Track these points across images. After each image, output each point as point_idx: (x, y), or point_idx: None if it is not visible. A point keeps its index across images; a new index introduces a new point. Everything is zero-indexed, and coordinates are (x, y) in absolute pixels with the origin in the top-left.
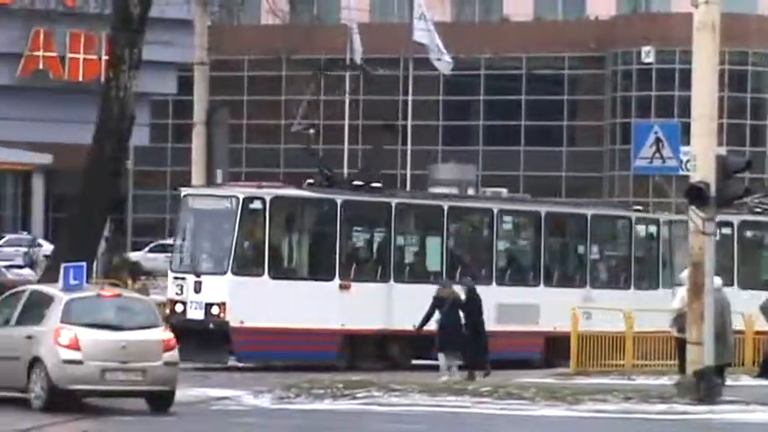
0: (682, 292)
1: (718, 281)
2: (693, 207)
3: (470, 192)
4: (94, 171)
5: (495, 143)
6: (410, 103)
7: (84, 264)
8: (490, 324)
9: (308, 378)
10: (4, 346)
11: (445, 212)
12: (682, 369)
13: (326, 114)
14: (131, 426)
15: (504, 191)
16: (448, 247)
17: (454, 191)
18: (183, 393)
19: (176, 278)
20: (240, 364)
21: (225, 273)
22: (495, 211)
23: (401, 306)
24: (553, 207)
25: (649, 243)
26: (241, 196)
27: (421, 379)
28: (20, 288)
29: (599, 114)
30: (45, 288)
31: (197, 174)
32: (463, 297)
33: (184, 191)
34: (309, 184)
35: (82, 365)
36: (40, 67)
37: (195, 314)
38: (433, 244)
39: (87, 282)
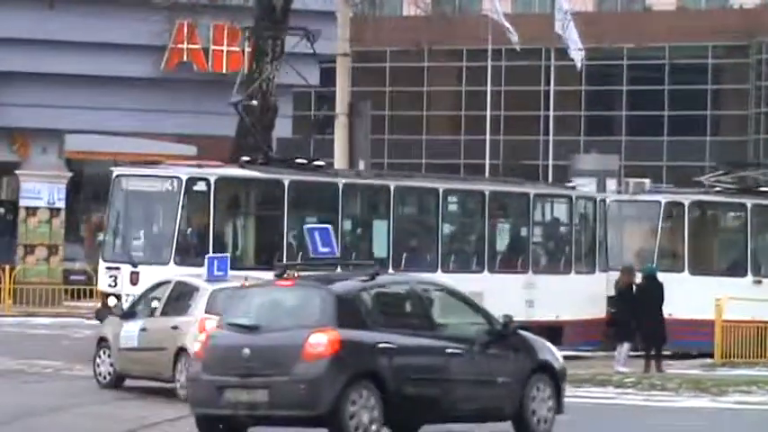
0: None
1: None
2: None
3: (611, 183)
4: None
5: (638, 133)
6: (552, 94)
7: (227, 255)
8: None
9: None
10: (151, 336)
11: (392, 193)
12: None
13: (469, 105)
14: None
15: (647, 181)
16: (395, 229)
17: (594, 182)
18: None
19: (109, 268)
20: None
21: (167, 263)
22: (441, 190)
23: None
24: (497, 186)
25: (588, 224)
26: (184, 177)
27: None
28: (164, 279)
29: (743, 104)
30: (190, 279)
31: (339, 165)
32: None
33: (116, 170)
34: (247, 161)
35: None
36: (185, 59)
37: None
38: (379, 227)
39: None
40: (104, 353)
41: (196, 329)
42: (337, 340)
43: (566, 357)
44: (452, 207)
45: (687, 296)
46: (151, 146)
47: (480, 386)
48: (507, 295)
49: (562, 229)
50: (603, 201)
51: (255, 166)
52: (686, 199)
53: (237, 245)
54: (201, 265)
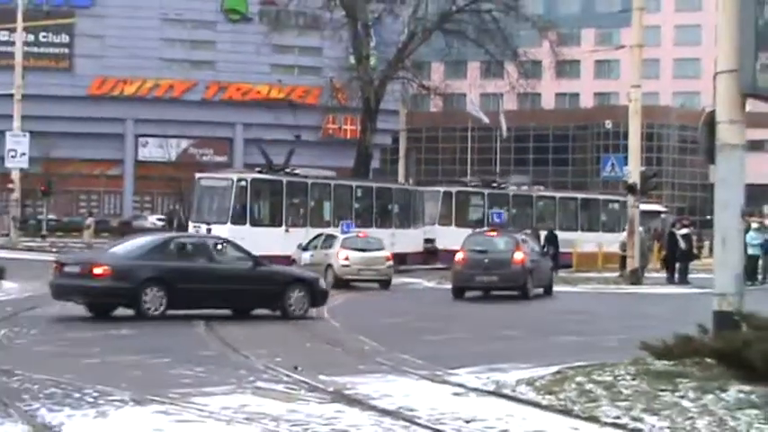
0: (624, 233)
1: (641, 228)
2: (630, 195)
3: (525, 188)
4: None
5: (538, 165)
6: (499, 148)
7: (351, 221)
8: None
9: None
10: (315, 258)
11: (332, 187)
12: (623, 268)
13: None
14: (373, 293)
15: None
16: (333, 205)
17: (514, 188)
18: (395, 281)
19: (195, 226)
20: None
21: (226, 223)
22: (354, 185)
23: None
24: (379, 184)
25: (414, 203)
26: (234, 178)
27: None
28: (320, 232)
29: (586, 152)
30: (333, 232)
31: (400, 180)
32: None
33: (198, 175)
34: (259, 171)
35: (350, 267)
36: (330, 132)
37: None
38: (326, 204)
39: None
40: (293, 266)
41: (336, 255)
42: (524, 256)
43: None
44: (359, 194)
45: (457, 240)
46: (314, 172)
47: (544, 272)
48: (385, 239)
49: (405, 205)
50: (423, 192)
51: (268, 173)
52: (454, 189)
53: (261, 213)
54: (243, 224)
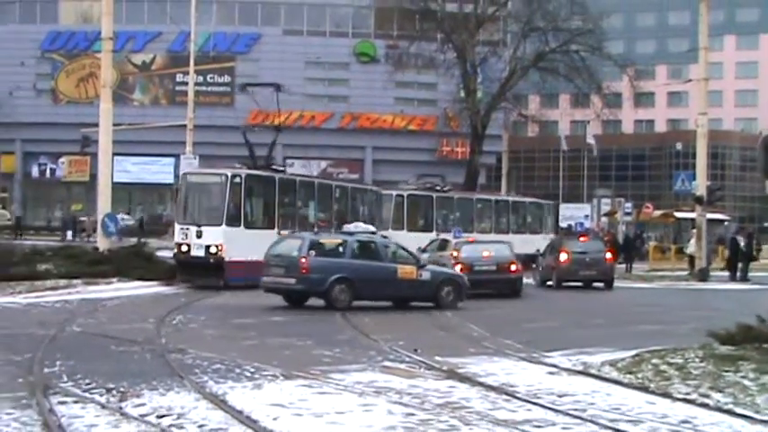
0: (693, 239)
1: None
2: (697, 205)
3: (606, 200)
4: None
5: (620, 181)
6: (586, 167)
7: (461, 228)
8: None
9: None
10: (431, 258)
11: (315, 185)
12: (692, 267)
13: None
14: (595, 291)
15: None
16: (317, 203)
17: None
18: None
19: (181, 228)
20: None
21: (220, 225)
22: (333, 185)
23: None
24: (355, 185)
25: (381, 204)
26: (229, 174)
27: None
28: (435, 237)
29: (661, 169)
30: (446, 236)
31: (503, 191)
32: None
33: (185, 170)
34: (252, 168)
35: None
36: (444, 153)
37: (197, 252)
38: (312, 202)
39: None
40: None
41: (450, 257)
42: (614, 255)
43: None
44: (337, 194)
45: (407, 243)
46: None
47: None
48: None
49: (373, 207)
50: (382, 194)
51: (261, 170)
52: (405, 192)
53: (254, 213)
54: (237, 226)
